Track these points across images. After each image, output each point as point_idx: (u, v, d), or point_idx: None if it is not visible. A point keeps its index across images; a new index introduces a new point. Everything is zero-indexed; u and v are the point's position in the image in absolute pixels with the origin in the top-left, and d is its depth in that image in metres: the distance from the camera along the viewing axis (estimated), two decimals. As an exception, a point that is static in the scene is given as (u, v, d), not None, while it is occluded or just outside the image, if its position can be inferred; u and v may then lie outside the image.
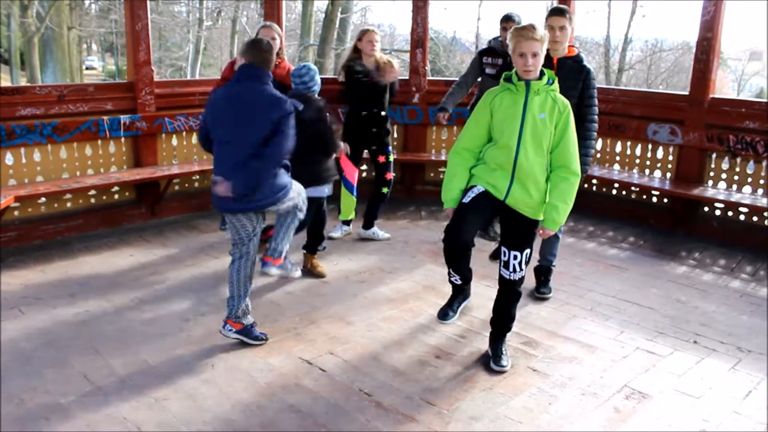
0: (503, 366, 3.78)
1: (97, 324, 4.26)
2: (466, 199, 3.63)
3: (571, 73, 4.42)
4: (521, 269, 3.71)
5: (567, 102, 3.56)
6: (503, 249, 3.72)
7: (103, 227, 6.11)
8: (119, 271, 5.18)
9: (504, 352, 3.86)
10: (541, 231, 3.63)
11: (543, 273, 4.90)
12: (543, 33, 3.46)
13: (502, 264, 3.74)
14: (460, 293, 4.24)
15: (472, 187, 3.65)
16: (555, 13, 4.49)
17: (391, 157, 5.99)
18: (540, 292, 4.82)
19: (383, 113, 5.84)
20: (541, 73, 3.52)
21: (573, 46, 4.55)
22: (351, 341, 4.09)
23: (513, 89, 3.53)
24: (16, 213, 5.69)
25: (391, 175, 6.00)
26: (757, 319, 4.57)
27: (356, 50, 5.79)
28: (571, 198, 3.60)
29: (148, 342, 4.02)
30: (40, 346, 3.94)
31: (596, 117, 4.56)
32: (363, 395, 3.49)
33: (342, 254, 5.64)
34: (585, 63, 4.51)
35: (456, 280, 4.04)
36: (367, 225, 6.10)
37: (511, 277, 3.72)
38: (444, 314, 4.15)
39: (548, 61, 4.40)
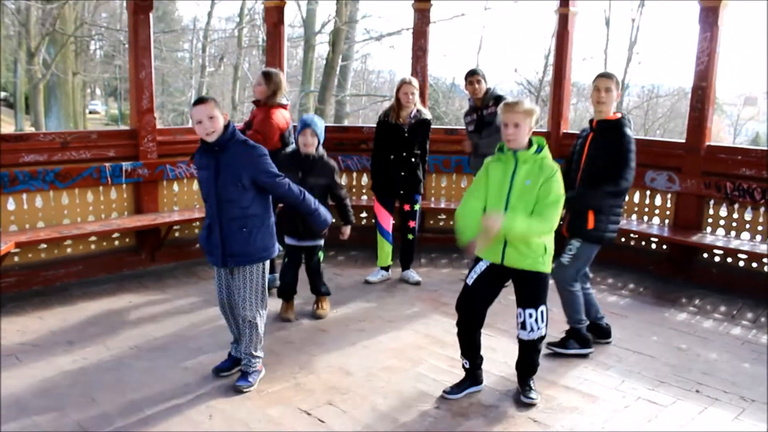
0: (532, 399, 3.92)
1: (94, 372, 4.23)
2: (470, 281, 3.87)
3: (603, 134, 4.44)
4: (539, 327, 3.84)
5: (555, 166, 3.73)
6: (518, 310, 3.85)
7: (102, 273, 6.11)
8: (118, 318, 5.16)
9: (532, 386, 4.00)
10: (487, 219, 3.65)
11: (569, 333, 4.69)
12: (529, 107, 3.71)
13: (519, 326, 3.86)
14: (472, 377, 4.07)
15: (478, 260, 3.87)
16: (601, 75, 4.58)
17: (417, 206, 6.14)
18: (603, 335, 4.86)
19: (413, 159, 5.97)
20: (530, 143, 3.74)
21: (618, 112, 4.52)
22: (350, 391, 4.06)
23: (503, 158, 3.79)
24: (16, 259, 5.70)
25: (414, 224, 6.15)
26: (759, 367, 4.54)
27: (398, 101, 5.97)
28: (532, 229, 3.63)
29: (145, 391, 3.99)
30: (37, 394, 3.91)
31: (628, 177, 4.40)
32: (362, 446, 3.45)
33: (342, 301, 5.62)
34: (625, 129, 4.41)
35: (465, 363, 4.02)
36: (403, 267, 6.28)
37: (530, 337, 3.85)
38: (450, 391, 4.00)
39: (590, 125, 4.57)
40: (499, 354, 4.55)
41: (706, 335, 5.11)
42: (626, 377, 4.33)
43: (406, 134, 5.91)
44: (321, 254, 5.33)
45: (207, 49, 27.84)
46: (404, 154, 5.94)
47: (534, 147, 3.74)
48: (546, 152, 3.75)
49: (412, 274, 6.21)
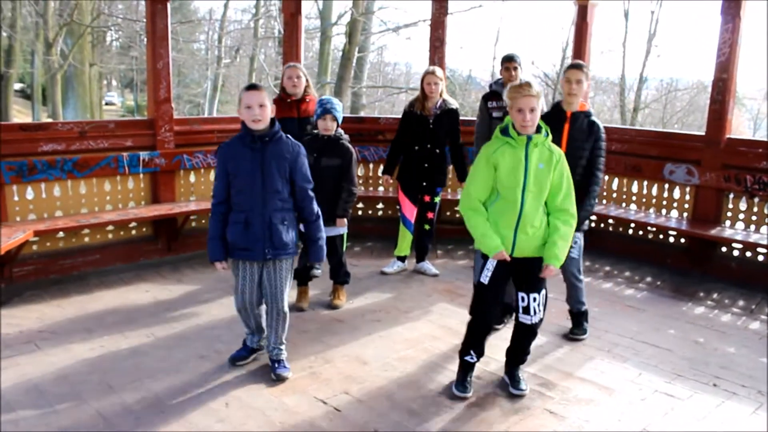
0: (522, 390, 3.92)
1: (112, 359, 4.26)
2: (485, 279, 3.76)
3: (583, 126, 4.51)
4: (541, 311, 3.80)
5: (560, 150, 3.75)
6: (521, 295, 3.79)
7: (119, 262, 6.15)
8: (135, 306, 5.19)
9: (522, 377, 4.00)
10: (545, 268, 3.68)
11: (575, 317, 4.86)
12: (539, 89, 3.63)
13: (521, 310, 3.81)
14: (472, 368, 4.03)
15: (486, 256, 3.74)
16: (573, 67, 4.60)
17: (438, 199, 6.11)
18: (573, 333, 4.82)
19: (438, 150, 5.92)
20: (537, 128, 3.67)
21: (584, 102, 4.62)
22: (366, 381, 4.07)
23: (513, 143, 3.65)
24: (34, 247, 5.75)
25: (432, 215, 6.10)
26: (778, 362, 4.50)
27: (422, 91, 5.90)
28: (570, 238, 3.74)
29: (162, 379, 4.01)
30: (55, 381, 3.95)
31: (603, 165, 4.61)
32: (377, 436, 3.46)
33: (358, 292, 5.62)
34: (595, 119, 4.57)
35: (472, 358, 3.95)
36: (418, 259, 6.25)
37: (532, 321, 3.80)
38: (464, 388, 3.92)
39: (562, 115, 4.49)
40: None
41: (724, 329, 5.07)
42: (643, 370, 4.30)
43: (431, 125, 5.85)
44: (345, 243, 5.33)
45: (223, 41, 27.92)
46: (428, 145, 5.89)
47: (543, 130, 3.69)
48: (550, 136, 3.74)
49: (429, 266, 6.19)
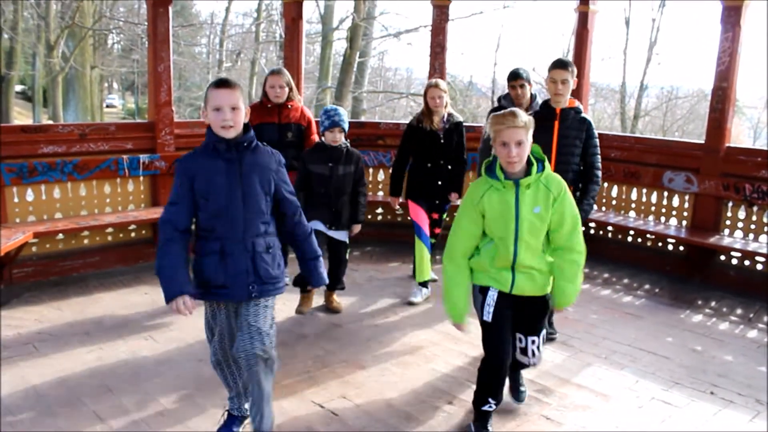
0: (521, 401, 3.86)
1: (110, 362, 4.26)
2: (488, 316, 3.35)
3: (574, 123, 4.47)
4: (540, 351, 3.55)
5: (561, 181, 3.29)
6: (519, 336, 3.49)
7: (119, 265, 6.16)
8: (134, 309, 5.20)
9: (522, 382, 3.89)
10: (557, 310, 3.47)
11: (550, 315, 4.74)
12: (527, 119, 3.15)
13: (518, 351, 3.52)
14: (491, 415, 3.55)
15: (484, 291, 3.38)
16: (557, 66, 4.42)
17: (445, 215, 5.81)
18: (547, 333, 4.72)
19: (450, 166, 5.61)
20: (528, 162, 3.21)
21: (573, 98, 4.56)
22: (364, 386, 4.07)
23: (498, 186, 3.21)
24: (34, 249, 5.76)
25: (439, 231, 5.74)
26: (775, 371, 4.51)
27: (427, 105, 5.54)
28: (580, 277, 3.37)
29: (161, 382, 4.01)
30: (53, 383, 3.95)
31: (600, 164, 4.60)
32: (375, 441, 3.46)
33: (357, 297, 5.63)
34: (585, 115, 4.55)
35: (491, 406, 3.47)
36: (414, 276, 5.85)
37: (531, 362, 3.58)
38: None
39: (551, 112, 4.46)
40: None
41: (721, 337, 5.07)
42: (640, 377, 4.31)
43: (442, 140, 5.52)
44: (347, 250, 5.20)
45: (224, 44, 27.97)
46: (441, 161, 5.56)
47: (534, 165, 3.19)
48: (547, 166, 3.25)
49: (417, 292, 5.61)
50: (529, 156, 3.20)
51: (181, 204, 3.02)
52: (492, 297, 3.34)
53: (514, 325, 3.44)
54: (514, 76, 5.51)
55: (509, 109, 3.19)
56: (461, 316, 3.37)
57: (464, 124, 5.70)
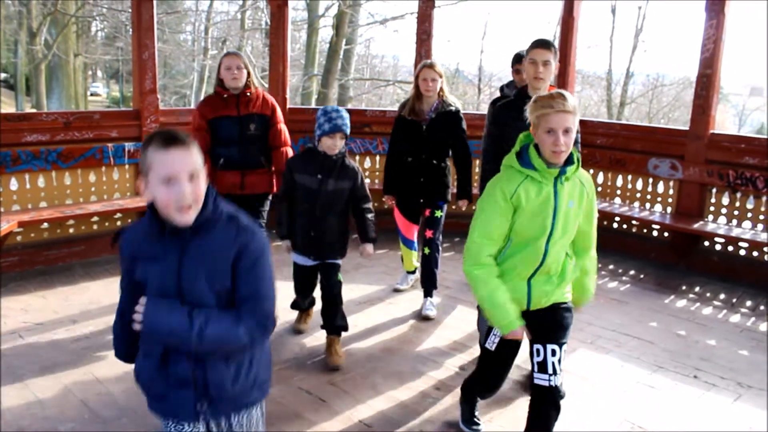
0: None
1: (97, 350, 4.25)
2: (491, 345, 3.00)
3: None
4: (560, 369, 2.89)
5: (590, 179, 2.95)
6: (536, 347, 2.90)
7: (105, 253, 6.12)
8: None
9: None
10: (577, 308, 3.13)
11: None
12: (576, 104, 2.75)
13: (536, 367, 2.89)
14: (476, 400, 3.47)
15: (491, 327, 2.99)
16: (538, 45, 3.81)
17: (440, 213, 5.03)
18: None
19: (435, 161, 4.92)
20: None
21: (553, 85, 3.99)
22: (351, 371, 4.09)
23: (538, 177, 2.75)
24: (18, 238, 5.72)
25: (432, 233, 5.02)
26: (757, 354, 4.56)
27: (416, 89, 4.92)
28: (594, 274, 3.19)
29: (147, 369, 4.01)
30: (39, 372, 3.94)
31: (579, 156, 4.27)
32: (363, 426, 3.48)
33: (345, 284, 5.62)
34: None
35: (479, 399, 3.44)
36: (425, 292, 5.14)
37: (551, 383, 2.85)
38: (474, 422, 3.44)
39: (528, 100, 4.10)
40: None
41: (705, 322, 5.13)
42: (625, 362, 4.35)
43: (425, 132, 4.85)
44: (340, 276, 4.32)
45: (210, 32, 27.75)
46: (423, 156, 4.89)
47: (575, 158, 2.79)
48: (578, 160, 2.85)
49: (429, 305, 5.04)
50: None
51: (125, 293, 2.24)
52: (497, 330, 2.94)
53: (533, 336, 2.94)
54: (520, 59, 5.05)
55: (557, 91, 2.78)
56: (514, 322, 2.82)
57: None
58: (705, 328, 5.00)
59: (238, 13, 27.01)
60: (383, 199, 5.39)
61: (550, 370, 2.84)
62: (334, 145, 4.03)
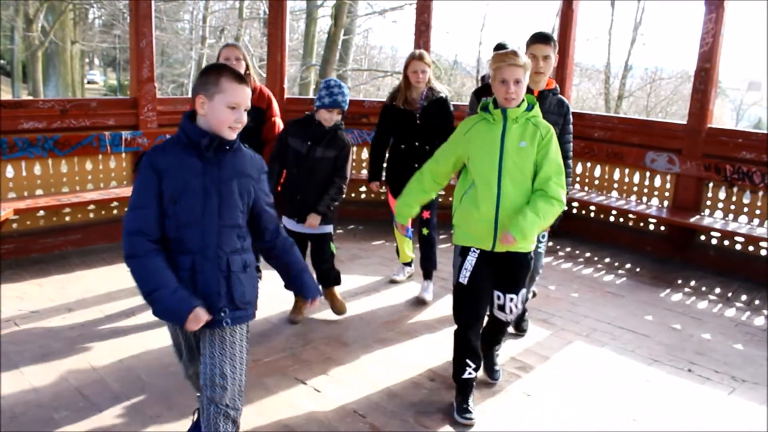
0: (496, 379, 3.87)
1: (92, 338, 4.25)
2: (464, 279, 3.37)
3: (553, 107, 4.03)
4: (518, 308, 3.54)
5: (550, 126, 3.31)
6: (496, 293, 3.47)
7: (101, 242, 6.12)
8: (116, 286, 5.17)
9: (497, 362, 3.93)
10: (503, 235, 3.20)
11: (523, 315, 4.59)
12: (526, 60, 3.24)
13: (496, 307, 3.52)
14: (472, 387, 3.56)
15: (464, 253, 3.38)
16: (538, 40, 3.95)
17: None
18: (519, 329, 4.56)
19: (428, 147, 4.94)
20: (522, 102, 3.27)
21: (551, 78, 4.11)
22: (346, 362, 4.09)
23: (489, 118, 3.27)
24: (14, 226, 5.70)
25: (429, 214, 5.14)
26: (751, 348, 4.58)
27: (406, 80, 5.04)
28: (546, 217, 3.22)
29: (143, 358, 4.01)
30: (34, 359, 3.93)
31: (572, 153, 4.21)
32: (357, 416, 3.49)
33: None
34: (562, 96, 4.13)
35: (471, 371, 3.50)
36: (425, 275, 5.28)
37: (508, 319, 3.59)
38: (467, 412, 3.47)
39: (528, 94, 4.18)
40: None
41: (700, 316, 5.15)
42: (620, 355, 4.36)
43: (418, 121, 5.00)
44: (332, 246, 4.63)
45: (208, 20, 27.63)
46: (416, 143, 5.02)
47: (524, 103, 3.24)
48: (537, 111, 3.30)
49: (427, 289, 5.21)
50: (524, 99, 3.28)
51: (149, 209, 2.46)
52: (470, 262, 3.36)
53: (494, 283, 3.45)
54: (501, 48, 4.94)
55: (510, 48, 3.37)
56: (406, 218, 3.67)
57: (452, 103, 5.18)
58: (700, 322, 5.01)
59: (236, 2, 26.90)
60: (370, 185, 5.43)
61: (507, 311, 3.50)
62: (330, 119, 4.36)
